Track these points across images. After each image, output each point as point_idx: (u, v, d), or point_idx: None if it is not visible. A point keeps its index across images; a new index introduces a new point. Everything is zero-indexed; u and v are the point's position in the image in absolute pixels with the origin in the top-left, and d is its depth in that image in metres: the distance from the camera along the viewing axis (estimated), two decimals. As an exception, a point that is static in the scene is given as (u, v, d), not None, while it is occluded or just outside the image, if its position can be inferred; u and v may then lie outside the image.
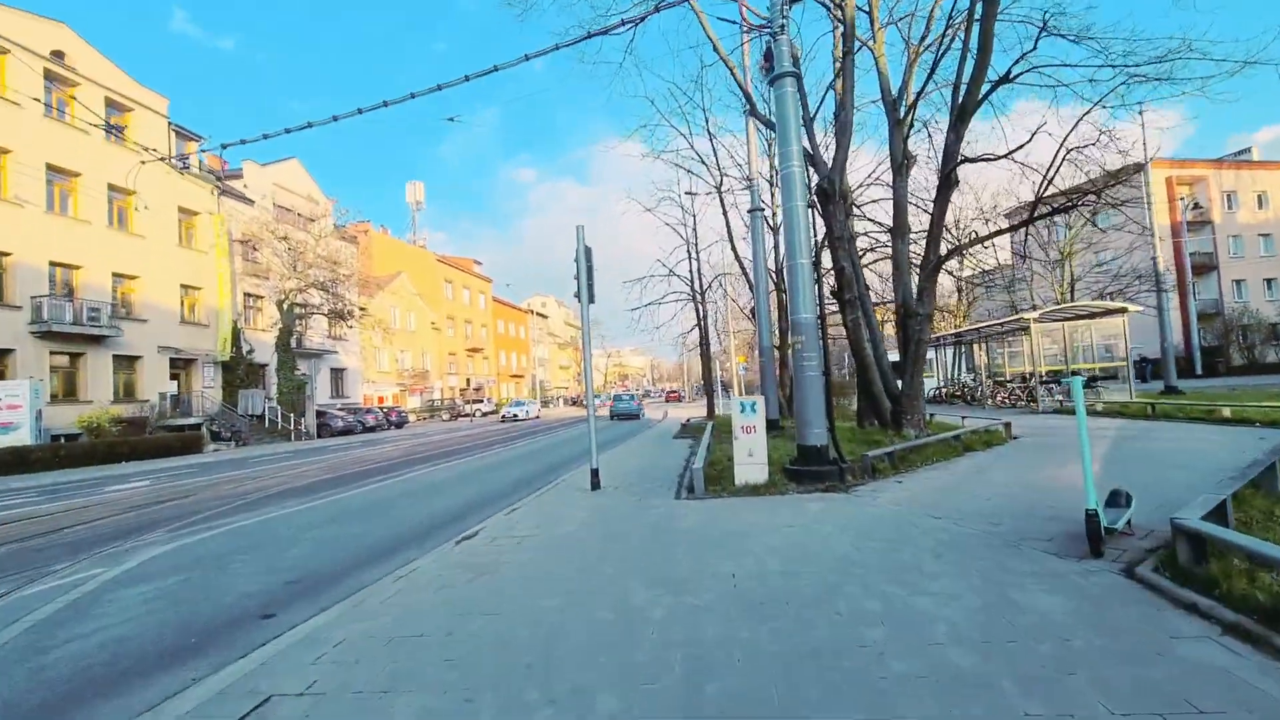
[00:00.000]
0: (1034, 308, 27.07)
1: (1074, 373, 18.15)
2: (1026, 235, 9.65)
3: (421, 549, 6.49)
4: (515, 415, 42.82)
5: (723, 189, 17.45)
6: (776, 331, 15.49)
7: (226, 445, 26.48)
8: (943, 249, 10.16)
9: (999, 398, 20.91)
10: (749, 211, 15.40)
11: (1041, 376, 18.37)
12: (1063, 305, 17.38)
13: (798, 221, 8.46)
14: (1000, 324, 18.49)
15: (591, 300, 9.49)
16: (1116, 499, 4.90)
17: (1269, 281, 46.20)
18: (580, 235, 9.33)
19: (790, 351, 8.60)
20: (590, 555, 5.35)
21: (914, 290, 11.16)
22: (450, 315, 58.01)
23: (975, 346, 25.63)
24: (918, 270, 10.77)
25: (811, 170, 10.83)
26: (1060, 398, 17.87)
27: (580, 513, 7.39)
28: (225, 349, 30.16)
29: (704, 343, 21.50)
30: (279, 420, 30.28)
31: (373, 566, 5.99)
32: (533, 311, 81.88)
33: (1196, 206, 43.94)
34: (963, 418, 13.47)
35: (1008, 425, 11.38)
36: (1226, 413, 11.51)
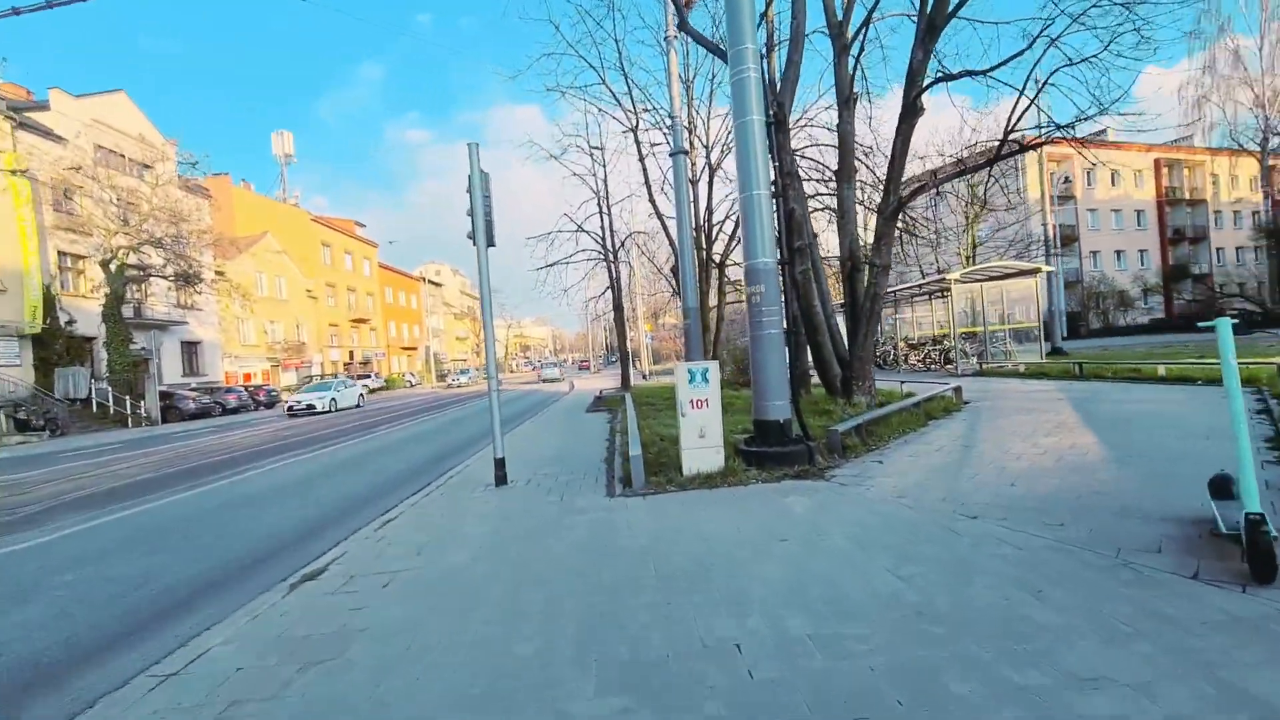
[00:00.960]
0: (939, 272, 27.47)
1: (1012, 332, 18.14)
2: (989, 178, 8.59)
3: (237, 596, 4.27)
4: (311, 406, 26.50)
5: (639, 130, 15.52)
6: (696, 292, 13.97)
7: (38, 436, 21.66)
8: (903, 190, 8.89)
9: (911, 360, 20.74)
10: (670, 155, 13.56)
11: (956, 338, 18.15)
12: (982, 266, 17.22)
13: (753, 141, 6.73)
14: (920, 286, 18.09)
15: (491, 244, 7.36)
16: (1226, 487, 3.62)
17: (1119, 253, 50.77)
18: (474, 157, 7.13)
19: (746, 305, 6.94)
20: (499, 610, 3.43)
21: (860, 239, 9.91)
22: (330, 282, 52.36)
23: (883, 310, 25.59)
24: (873, 216, 9.48)
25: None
26: (975, 360, 17.71)
27: (481, 525, 5.41)
28: (34, 319, 24.71)
29: (617, 307, 19.60)
30: (110, 404, 25.39)
31: (137, 643, 3.73)
32: (425, 280, 76.38)
33: (1065, 181, 47.12)
34: (901, 383, 12.60)
35: (958, 390, 10.50)
36: (1161, 371, 11.31)
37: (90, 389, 25.47)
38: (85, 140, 27.71)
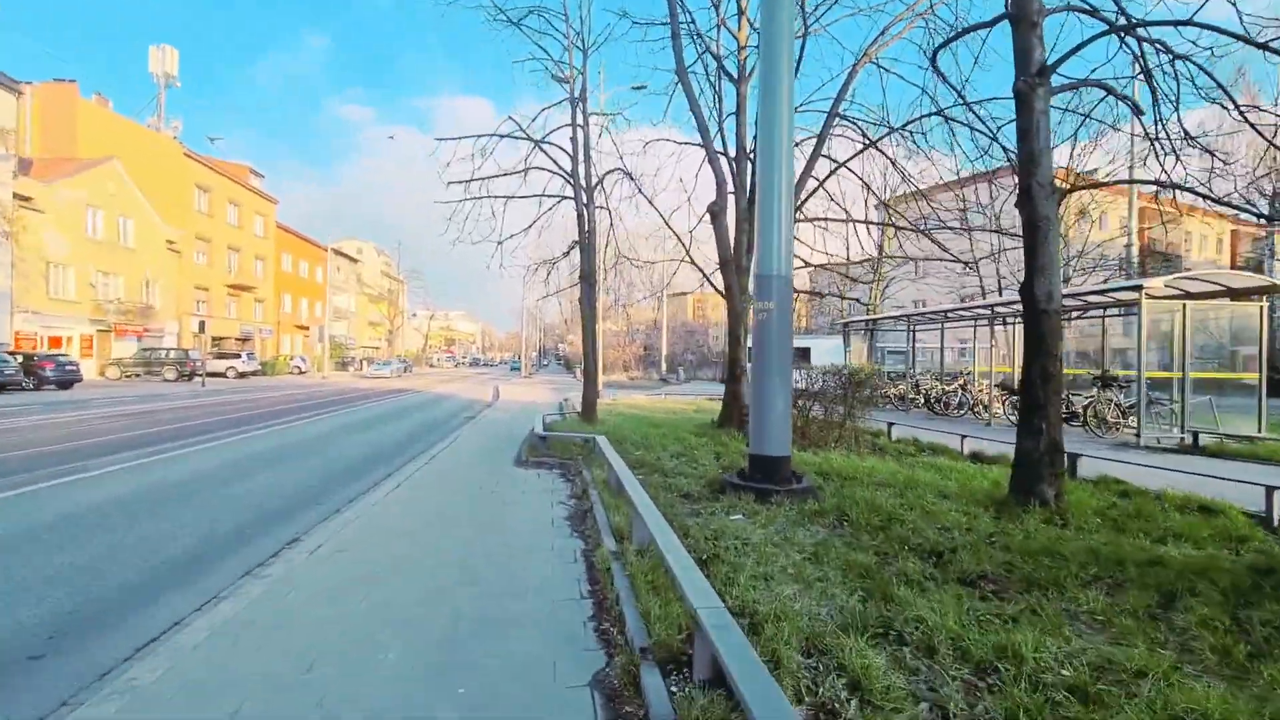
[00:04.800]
0: (987, 291, 21.34)
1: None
2: None
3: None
4: None
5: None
6: (789, 243, 6.69)
7: None
8: None
9: (1003, 410, 14.23)
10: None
11: (1116, 380, 11.72)
12: (1201, 273, 10.92)
13: None
14: (1101, 291, 11.38)
15: None
16: None
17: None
18: None
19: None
20: None
21: None
22: (204, 236, 41.87)
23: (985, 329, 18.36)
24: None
25: None
26: (1186, 427, 10.93)
27: None
28: None
29: (587, 277, 11.72)
30: None
31: None
32: (338, 251, 65.55)
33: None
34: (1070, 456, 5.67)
35: None
36: None
37: None
38: None
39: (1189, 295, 10.63)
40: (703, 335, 64.99)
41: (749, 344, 11.19)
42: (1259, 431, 10.54)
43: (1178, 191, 6.01)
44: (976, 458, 8.83)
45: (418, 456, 9.61)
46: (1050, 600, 3.35)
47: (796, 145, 10.61)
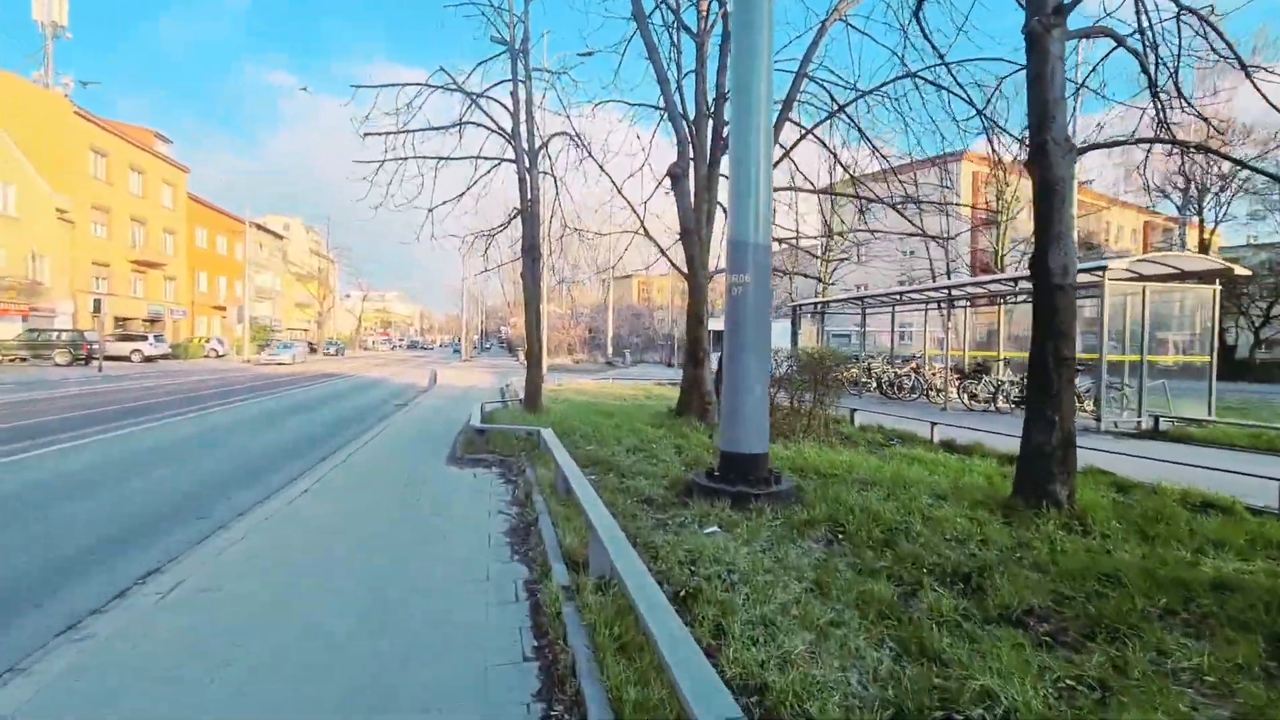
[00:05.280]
0: (937, 275, 21.32)
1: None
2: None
3: None
4: None
5: None
6: (768, 206, 5.82)
7: None
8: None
9: (960, 395, 14.01)
10: None
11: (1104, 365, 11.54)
12: (1157, 256, 10.71)
13: None
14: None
15: None
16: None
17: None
18: None
19: None
20: None
21: None
22: (103, 206, 37.89)
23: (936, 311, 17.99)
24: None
25: None
26: (1144, 410, 10.68)
27: None
28: None
29: (530, 250, 10.28)
30: None
31: None
32: (260, 226, 60.89)
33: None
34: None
35: None
36: None
37: None
38: None
39: (1144, 278, 10.46)
40: (649, 318, 64.16)
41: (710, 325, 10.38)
42: (1209, 414, 10.52)
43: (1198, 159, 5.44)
44: (949, 447, 8.31)
45: (337, 451, 8.38)
46: (1131, 649, 2.63)
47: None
